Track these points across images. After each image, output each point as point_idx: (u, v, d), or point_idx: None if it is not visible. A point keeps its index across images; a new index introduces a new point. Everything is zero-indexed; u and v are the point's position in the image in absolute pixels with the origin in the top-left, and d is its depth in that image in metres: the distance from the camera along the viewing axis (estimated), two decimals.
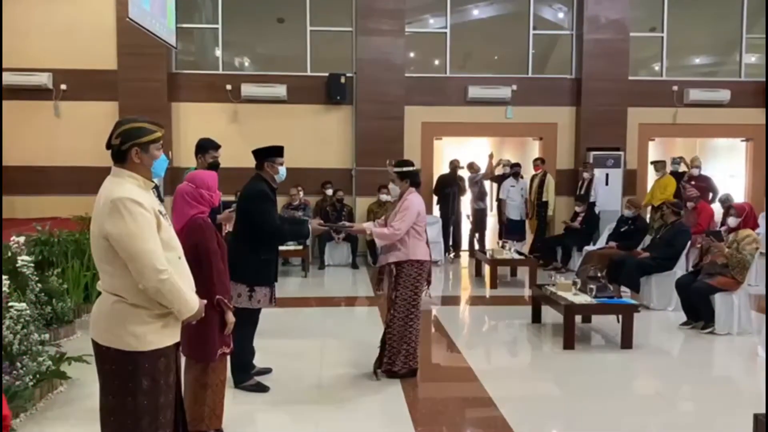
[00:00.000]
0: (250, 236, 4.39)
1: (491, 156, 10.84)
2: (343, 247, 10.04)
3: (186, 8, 10.67)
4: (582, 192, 10.22)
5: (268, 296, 4.47)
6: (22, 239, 5.66)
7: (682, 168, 10.31)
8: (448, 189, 10.28)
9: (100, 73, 10.35)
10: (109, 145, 2.61)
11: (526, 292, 8.10)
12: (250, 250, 4.34)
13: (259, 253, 4.38)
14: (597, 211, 9.98)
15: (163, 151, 2.73)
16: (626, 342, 5.60)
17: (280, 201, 10.03)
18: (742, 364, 5.58)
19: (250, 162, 4.61)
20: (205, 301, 2.85)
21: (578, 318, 6.02)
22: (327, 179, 10.47)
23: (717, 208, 9.41)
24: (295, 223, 4.55)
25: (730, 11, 11.65)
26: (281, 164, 4.55)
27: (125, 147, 2.57)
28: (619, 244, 8.17)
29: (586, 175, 10.33)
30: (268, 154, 4.52)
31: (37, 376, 4.14)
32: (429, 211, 10.29)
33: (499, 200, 10.82)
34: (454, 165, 10.61)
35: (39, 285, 5.36)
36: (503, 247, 8.95)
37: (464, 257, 10.79)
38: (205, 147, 5.16)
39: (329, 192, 10.29)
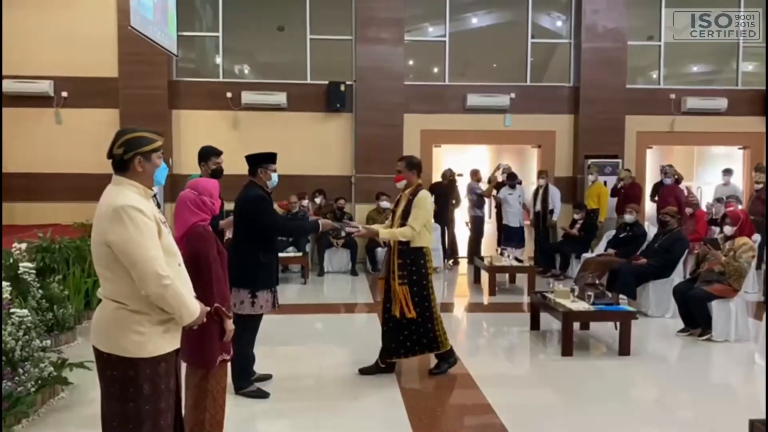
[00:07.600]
0: (250, 240, 4.43)
1: (498, 168, 10.72)
2: (342, 254, 10.06)
3: (187, 16, 10.73)
4: (537, 201, 10.14)
5: (270, 301, 4.50)
6: (24, 246, 5.70)
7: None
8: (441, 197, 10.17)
9: (101, 81, 10.41)
10: (110, 155, 2.63)
11: (525, 299, 8.12)
12: (250, 254, 4.38)
13: (259, 257, 4.41)
14: (555, 220, 10.00)
15: (164, 158, 2.76)
16: (624, 349, 5.63)
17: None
18: (739, 370, 5.61)
19: None
20: (207, 308, 2.87)
21: (576, 325, 6.05)
22: (325, 186, 10.49)
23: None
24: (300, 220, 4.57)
25: None
26: (274, 171, 4.57)
27: (128, 156, 2.59)
28: (617, 251, 8.20)
29: (541, 182, 10.20)
30: (262, 161, 4.54)
31: (39, 381, 4.16)
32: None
33: (498, 205, 10.79)
34: (446, 176, 10.59)
35: (40, 291, 5.41)
36: (501, 254, 8.97)
37: (463, 264, 10.80)
38: (207, 154, 5.21)
39: (318, 201, 10.30)
